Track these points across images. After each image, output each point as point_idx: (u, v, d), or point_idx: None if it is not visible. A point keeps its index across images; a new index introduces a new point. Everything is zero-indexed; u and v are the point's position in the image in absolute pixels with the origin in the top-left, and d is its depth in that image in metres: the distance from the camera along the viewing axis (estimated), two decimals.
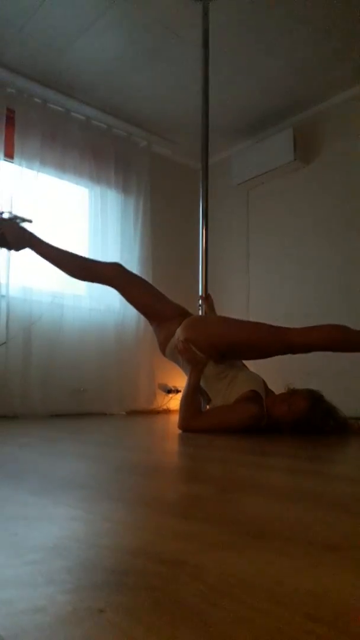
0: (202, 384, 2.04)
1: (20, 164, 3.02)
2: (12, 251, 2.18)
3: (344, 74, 3.09)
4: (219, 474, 1.04)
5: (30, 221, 2.17)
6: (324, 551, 0.54)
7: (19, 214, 2.18)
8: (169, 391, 3.63)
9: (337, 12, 2.56)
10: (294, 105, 3.41)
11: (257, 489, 0.88)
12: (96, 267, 2.23)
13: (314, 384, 2.01)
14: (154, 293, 2.26)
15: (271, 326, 1.95)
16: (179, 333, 2.05)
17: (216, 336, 2.00)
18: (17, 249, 2.13)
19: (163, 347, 2.18)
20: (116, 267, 2.21)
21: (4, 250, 2.89)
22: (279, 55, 2.91)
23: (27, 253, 3.00)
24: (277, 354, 1.98)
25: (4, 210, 2.20)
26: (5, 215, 2.12)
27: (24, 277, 2.95)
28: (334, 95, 3.30)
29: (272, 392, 2.05)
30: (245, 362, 2.25)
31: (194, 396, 1.97)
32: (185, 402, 1.96)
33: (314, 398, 1.87)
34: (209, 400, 2.13)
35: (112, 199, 3.51)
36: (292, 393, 1.91)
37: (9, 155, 3.01)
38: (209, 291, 2.66)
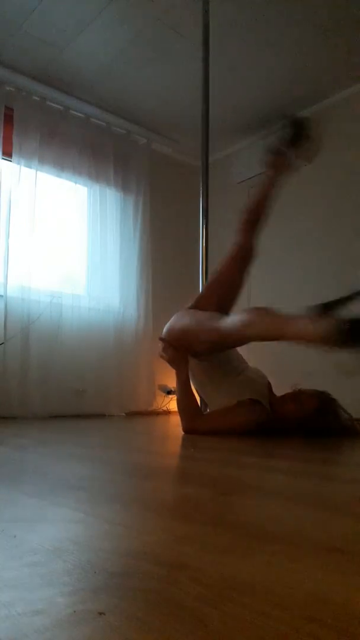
0: (196, 386, 2.03)
1: (18, 163, 3.02)
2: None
3: (345, 72, 3.09)
4: (219, 475, 1.04)
5: None
6: (326, 553, 0.54)
7: None
8: (169, 392, 3.63)
9: (339, 9, 2.56)
10: (295, 103, 3.41)
11: (258, 491, 0.88)
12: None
13: (316, 384, 2.00)
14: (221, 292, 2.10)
15: (207, 320, 1.84)
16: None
17: (175, 333, 1.94)
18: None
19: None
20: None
21: (2, 249, 2.90)
22: (280, 53, 2.91)
23: (27, 250, 3.00)
24: (225, 349, 1.94)
25: None
26: None
27: (22, 276, 2.95)
28: (336, 93, 3.31)
29: (273, 394, 2.03)
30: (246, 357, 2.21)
31: (187, 397, 1.94)
32: (181, 404, 1.95)
33: (323, 397, 1.86)
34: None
35: (112, 197, 3.51)
36: (300, 392, 1.89)
37: (7, 154, 3.02)
38: None
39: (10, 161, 3.02)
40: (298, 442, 1.71)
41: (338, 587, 0.44)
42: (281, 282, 3.58)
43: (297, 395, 1.88)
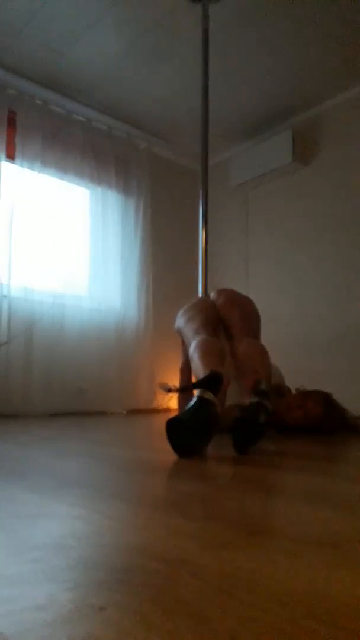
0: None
1: (21, 165, 3.02)
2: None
3: (343, 76, 3.09)
4: (221, 472, 1.03)
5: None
6: (325, 549, 0.53)
7: None
8: (169, 390, 3.62)
9: (337, 13, 2.56)
10: (293, 106, 3.41)
11: (258, 487, 0.88)
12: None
13: (317, 381, 2.00)
14: None
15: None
16: None
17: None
18: None
19: None
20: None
21: (5, 251, 2.90)
22: (278, 57, 2.91)
23: (30, 251, 3.00)
24: None
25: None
26: None
27: (25, 277, 2.95)
28: (333, 96, 3.30)
29: (289, 388, 2.00)
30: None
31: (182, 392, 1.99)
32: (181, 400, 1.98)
33: (328, 403, 1.83)
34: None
35: (113, 200, 3.51)
36: (305, 396, 1.85)
37: (10, 156, 3.02)
38: (209, 292, 2.66)
39: (14, 163, 3.02)
40: (302, 439, 1.70)
41: (337, 583, 0.44)
42: (280, 283, 3.57)
43: (303, 403, 1.84)
